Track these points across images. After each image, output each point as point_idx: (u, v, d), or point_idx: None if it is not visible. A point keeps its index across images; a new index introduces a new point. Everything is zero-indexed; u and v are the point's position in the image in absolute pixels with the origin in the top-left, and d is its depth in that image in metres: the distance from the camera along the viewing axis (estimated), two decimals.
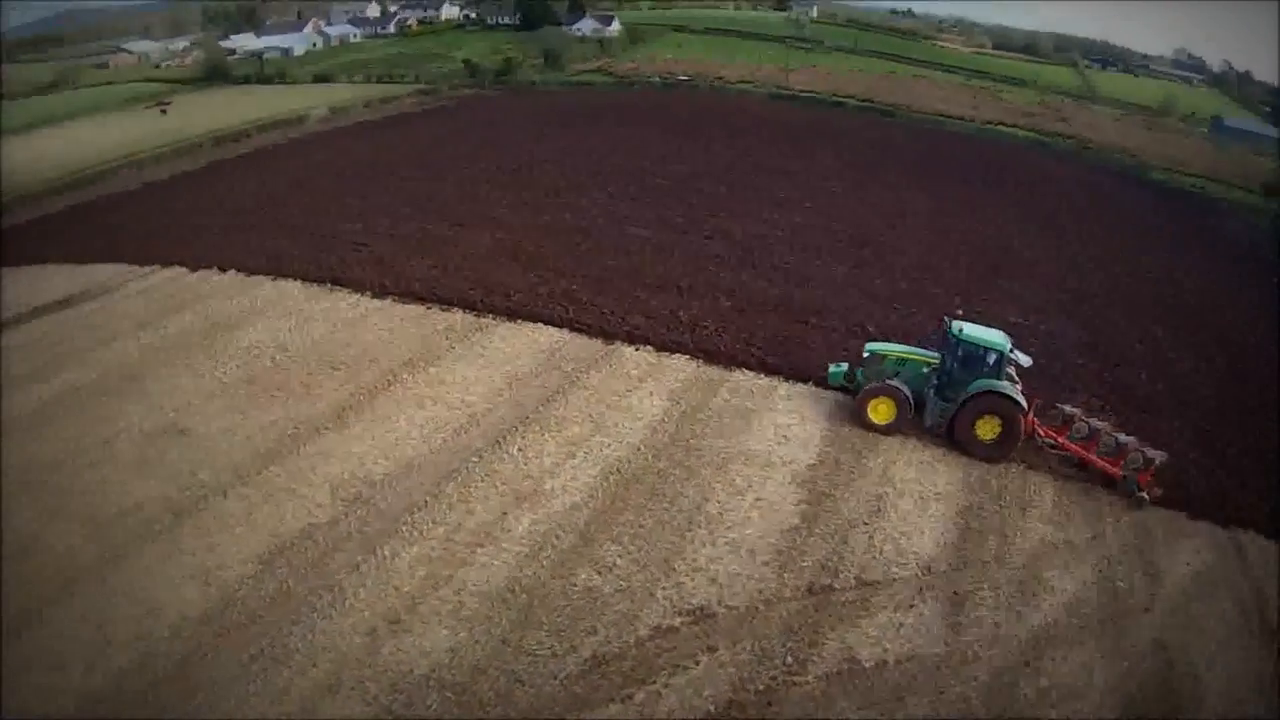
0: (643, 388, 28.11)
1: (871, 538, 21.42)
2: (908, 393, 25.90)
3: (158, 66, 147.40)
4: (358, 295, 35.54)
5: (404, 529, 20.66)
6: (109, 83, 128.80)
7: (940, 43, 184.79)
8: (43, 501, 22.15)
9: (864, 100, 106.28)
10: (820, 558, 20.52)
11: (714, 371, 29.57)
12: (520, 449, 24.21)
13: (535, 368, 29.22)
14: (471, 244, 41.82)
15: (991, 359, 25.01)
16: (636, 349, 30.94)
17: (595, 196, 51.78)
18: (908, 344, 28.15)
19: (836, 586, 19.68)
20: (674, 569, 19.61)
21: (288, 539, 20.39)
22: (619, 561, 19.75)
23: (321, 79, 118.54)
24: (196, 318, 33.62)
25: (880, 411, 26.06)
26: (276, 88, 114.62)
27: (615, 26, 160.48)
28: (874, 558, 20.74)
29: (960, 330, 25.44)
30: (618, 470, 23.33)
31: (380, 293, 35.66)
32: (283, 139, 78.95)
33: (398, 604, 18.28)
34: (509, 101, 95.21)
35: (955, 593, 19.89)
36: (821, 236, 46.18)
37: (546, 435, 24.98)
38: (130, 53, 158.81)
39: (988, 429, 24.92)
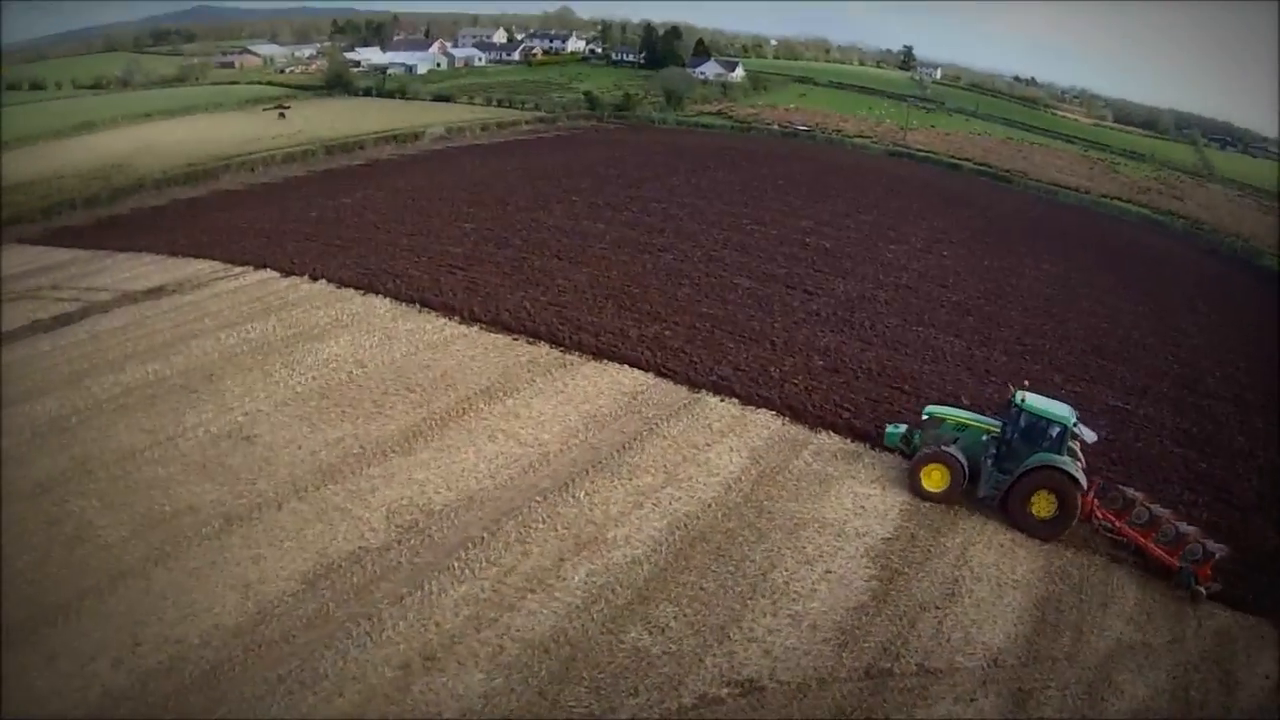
0: (723, 442, 27.94)
1: (941, 623, 20.73)
2: (963, 460, 25.57)
3: (281, 71, 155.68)
4: (445, 319, 36.44)
5: (455, 564, 20.81)
6: (233, 82, 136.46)
7: (1061, 112, 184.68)
8: (103, 491, 23.21)
9: (981, 164, 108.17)
10: (884, 639, 19.92)
11: (799, 431, 29.28)
12: (588, 493, 24.24)
13: (615, 410, 29.35)
14: (569, 278, 42.51)
15: (1054, 432, 24.59)
16: (722, 400, 30.87)
17: (701, 241, 52.29)
18: (971, 410, 27.99)
19: (896, 671, 19.05)
20: (729, 636, 19.22)
21: (335, 560, 20.77)
22: (673, 623, 19.47)
23: (441, 98, 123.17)
24: (280, 324, 34.98)
25: (934, 478, 25.76)
26: (396, 102, 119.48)
27: (739, 72, 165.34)
28: (940, 644, 20.06)
29: (1023, 400, 25.08)
30: (685, 526, 23.12)
31: (468, 319, 36.50)
32: (396, 154, 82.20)
33: (436, 641, 18.38)
34: (626, 136, 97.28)
35: (1020, 689, 19.03)
36: (925, 302, 45.66)
37: (617, 482, 24.98)
38: (256, 55, 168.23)
39: (1043, 505, 24.48)
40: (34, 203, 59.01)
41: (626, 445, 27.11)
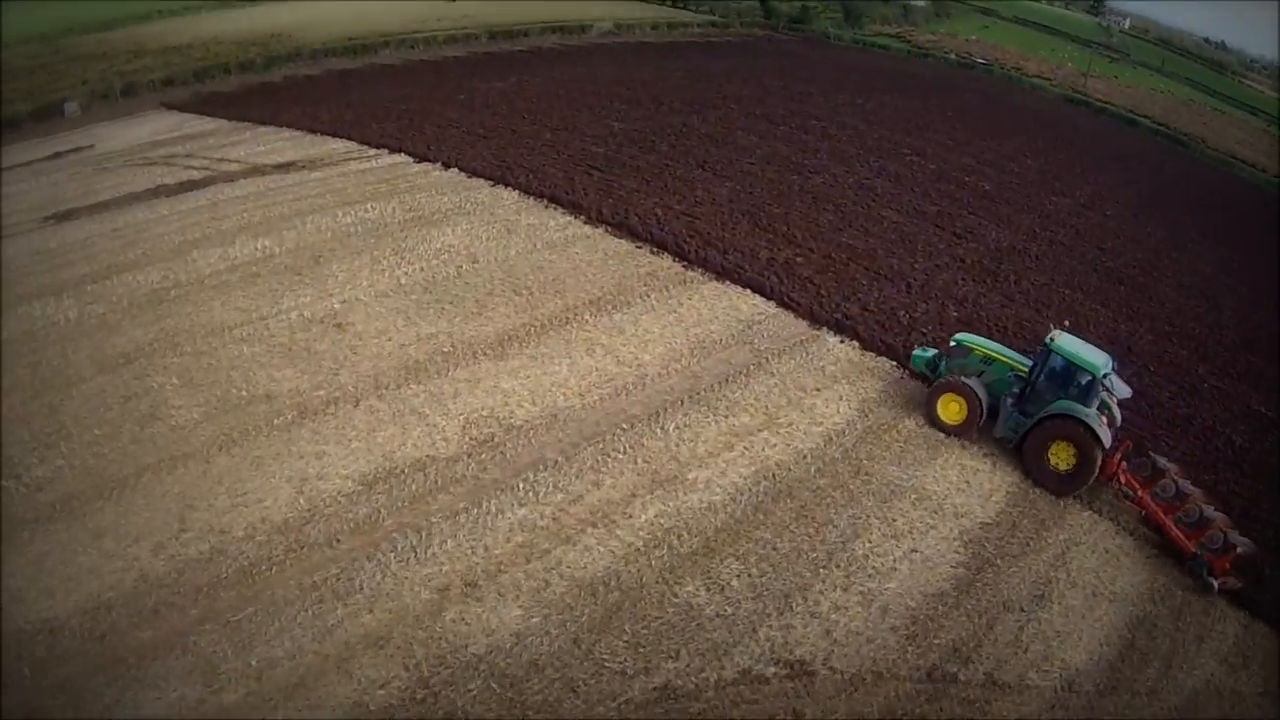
0: (833, 388, 26.10)
1: (1022, 629, 18.89)
2: (982, 395, 24.74)
3: None
4: (570, 218, 35.41)
5: (521, 485, 19.97)
6: None
7: (1248, 82, 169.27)
8: (185, 367, 23.40)
9: (1159, 123, 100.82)
10: (956, 638, 18.19)
11: (918, 387, 27.01)
12: (678, 427, 22.92)
13: (726, 338, 27.79)
14: (709, 190, 40.76)
15: (1083, 380, 23.36)
16: (842, 341, 28.94)
17: (855, 166, 49.51)
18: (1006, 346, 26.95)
19: (961, 678, 17.38)
20: (791, 607, 17.81)
21: (400, 465, 20.25)
22: (734, 582, 18.15)
23: None
24: (401, 208, 34.66)
25: (950, 410, 25.05)
26: None
27: None
28: (1016, 654, 18.29)
29: (1055, 340, 23.83)
30: (773, 477, 21.60)
31: (595, 220, 35.39)
32: (560, 44, 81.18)
33: (481, 567, 17.61)
34: (798, 49, 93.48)
35: None
36: (1078, 263, 41.85)
37: (711, 418, 23.56)
38: None
39: (1061, 457, 23.41)
40: (188, 65, 60.65)
41: (730, 378, 25.57)
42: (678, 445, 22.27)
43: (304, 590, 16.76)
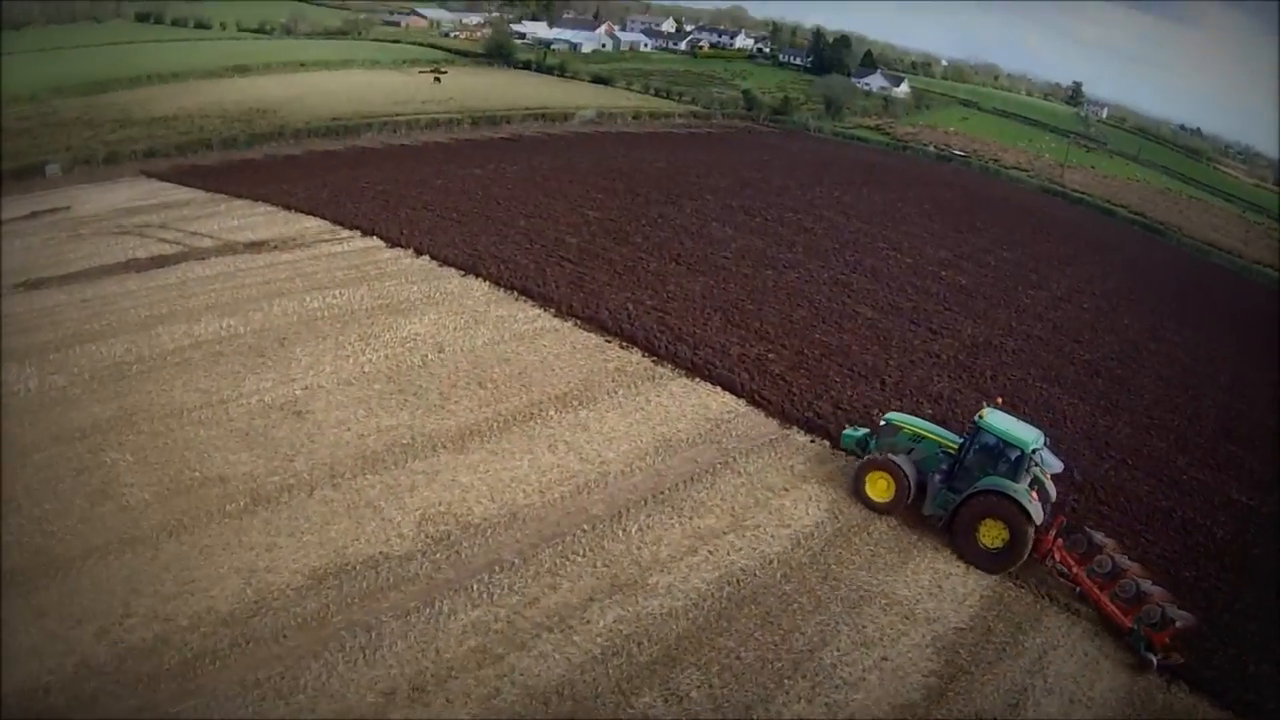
0: (802, 488, 26.14)
1: None
2: (909, 472, 24.84)
3: (446, 35, 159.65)
4: (540, 310, 35.88)
5: (475, 586, 19.76)
6: (395, 40, 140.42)
7: (1223, 167, 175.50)
8: (141, 446, 23.31)
9: (1136, 213, 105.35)
10: None
11: None
12: (640, 528, 22.83)
13: (693, 436, 27.93)
14: (681, 285, 41.39)
15: (1013, 455, 23.58)
16: (812, 440, 29.07)
17: (831, 261, 50.69)
18: (935, 423, 27.29)
19: None
20: None
21: (351, 561, 20.03)
22: (694, 693, 17.89)
23: (600, 80, 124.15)
24: (369, 294, 34.98)
25: (878, 487, 25.25)
26: (553, 79, 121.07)
27: (904, 88, 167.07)
28: None
29: (984, 417, 24.16)
30: (737, 582, 21.44)
31: (564, 313, 35.85)
32: (542, 132, 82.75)
33: (431, 670, 17.35)
34: (778, 141, 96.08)
35: None
36: (1055, 357, 42.63)
37: (676, 519, 23.50)
38: (423, 17, 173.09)
39: (991, 534, 23.54)
40: (172, 138, 61.50)
41: (696, 477, 25.62)
42: (639, 548, 22.13)
43: (246, 687, 16.46)
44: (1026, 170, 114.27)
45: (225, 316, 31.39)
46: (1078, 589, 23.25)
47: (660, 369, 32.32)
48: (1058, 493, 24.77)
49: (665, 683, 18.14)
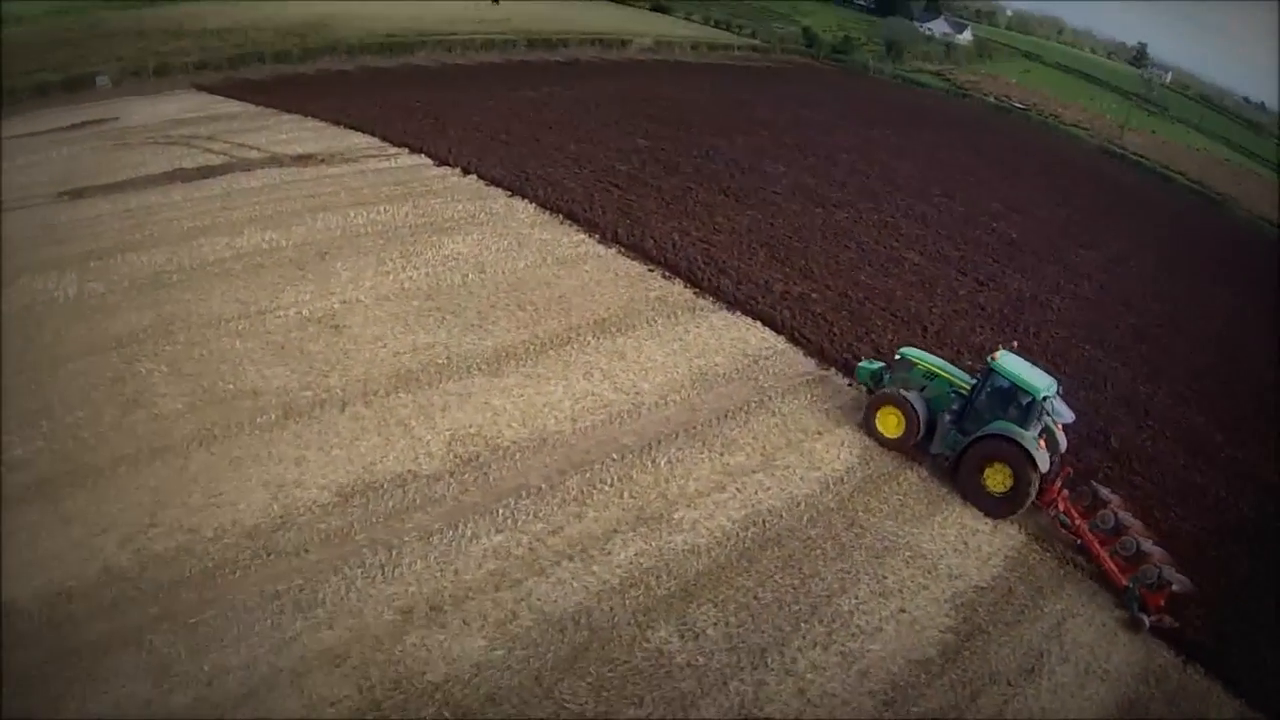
0: (836, 432, 25.59)
1: (1007, 703, 18.13)
2: (921, 410, 24.76)
3: None
4: (584, 235, 35.39)
5: (500, 510, 19.63)
6: None
7: None
8: (175, 356, 23.34)
9: (1193, 181, 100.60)
10: (937, 708, 17.49)
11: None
12: (670, 461, 22.54)
13: (730, 372, 27.43)
14: (729, 217, 40.62)
15: (1024, 401, 23.20)
16: (850, 384, 28.34)
17: (881, 203, 49.36)
18: (951, 363, 26.97)
19: None
20: (766, 662, 17.30)
21: (379, 479, 19.97)
22: (710, 630, 17.69)
23: (659, 8, 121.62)
24: (414, 212, 34.68)
25: (889, 423, 25.25)
26: (610, 6, 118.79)
27: (967, 35, 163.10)
28: None
29: (997, 360, 23.84)
30: (763, 523, 21.10)
31: (609, 239, 35.33)
32: (597, 57, 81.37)
33: (449, 591, 17.29)
34: (836, 80, 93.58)
35: None
36: (1100, 318, 41.18)
37: (706, 454, 23.15)
38: None
39: (997, 479, 23.32)
40: (225, 50, 61.09)
41: (729, 414, 25.16)
42: (667, 481, 21.85)
43: (266, 599, 16.49)
44: (1086, 129, 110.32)
45: (268, 229, 31.26)
46: (1078, 541, 23.07)
47: (701, 301, 31.75)
48: (1068, 444, 24.45)
49: (681, 618, 17.92)
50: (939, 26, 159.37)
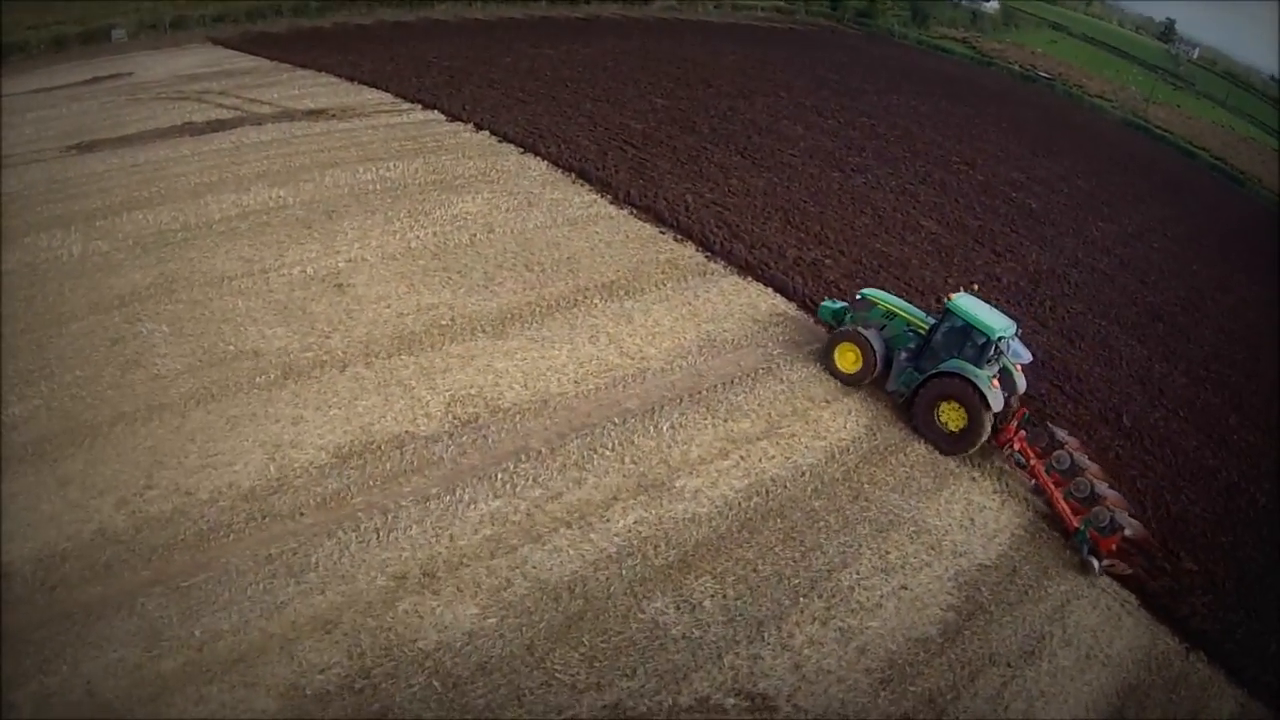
0: (843, 402, 25.09)
1: (1006, 685, 17.81)
2: (878, 346, 25.20)
3: None
4: (596, 195, 34.74)
5: (499, 475, 19.35)
6: None
7: None
8: (177, 315, 23.02)
9: (1217, 158, 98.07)
10: (934, 688, 17.19)
11: None
12: (673, 427, 22.14)
13: (738, 337, 26.91)
14: (745, 180, 39.80)
15: (979, 341, 23.40)
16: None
17: (900, 169, 48.13)
18: (912, 305, 27.23)
19: None
20: (762, 636, 17.03)
21: (377, 440, 19.71)
22: (707, 603, 17.41)
23: None
24: (424, 168, 34.16)
25: (847, 359, 25.72)
26: None
27: (994, 4, 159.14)
28: (994, 712, 17.23)
29: (954, 300, 24.23)
30: (765, 493, 20.72)
31: (621, 200, 34.65)
32: (620, 14, 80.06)
33: (444, 557, 17.06)
34: (859, 44, 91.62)
35: None
36: (1118, 294, 40.12)
37: (710, 421, 22.73)
38: None
39: (952, 417, 23.66)
40: (241, 4, 60.34)
41: (736, 381, 24.68)
42: (670, 447, 21.46)
43: (259, 563, 16.32)
44: (1111, 100, 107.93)
45: (275, 186, 30.87)
46: (1034, 481, 23.25)
47: (713, 265, 31.11)
48: (1028, 384, 25.06)
49: (679, 589, 17.63)
50: None
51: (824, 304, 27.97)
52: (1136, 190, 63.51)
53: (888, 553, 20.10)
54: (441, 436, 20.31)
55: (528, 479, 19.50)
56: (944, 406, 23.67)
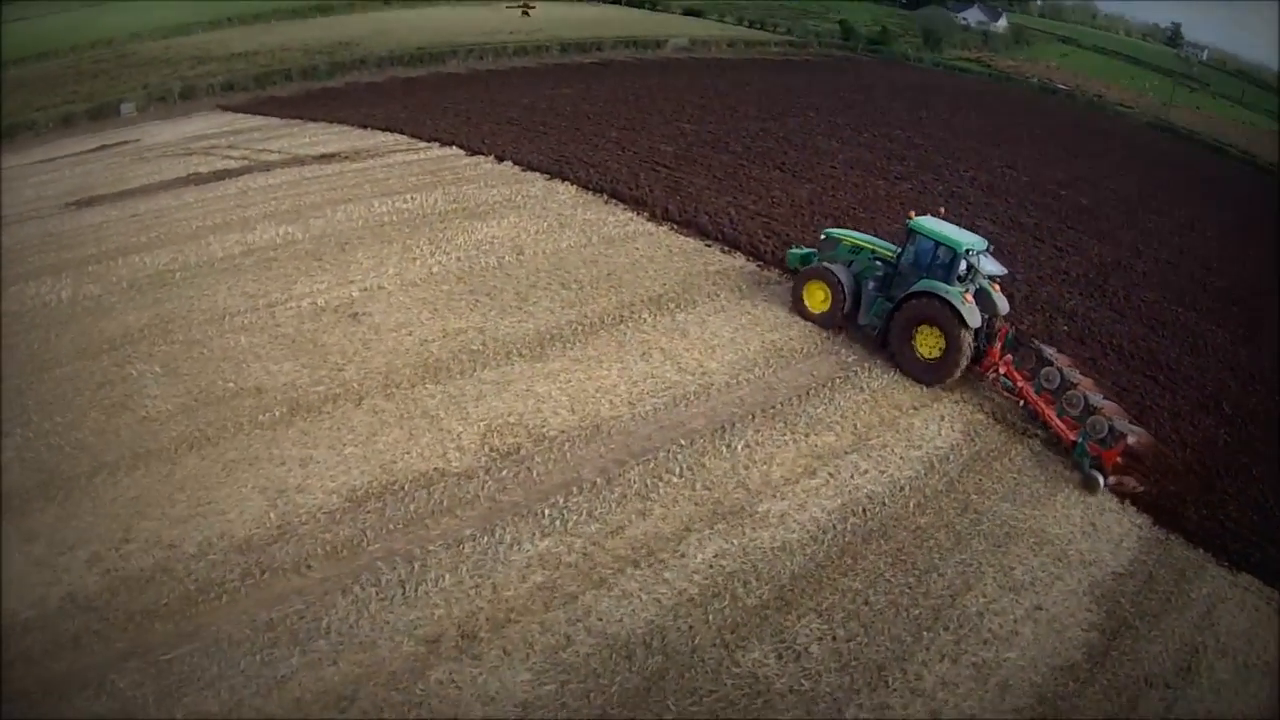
0: (933, 407, 21.76)
1: (1169, 709, 14.48)
2: (846, 281, 24.23)
3: None
4: (632, 214, 31.84)
5: (547, 511, 15.95)
6: None
7: None
8: (171, 356, 20.22)
9: (1244, 153, 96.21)
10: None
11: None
12: (748, 445, 18.72)
13: (808, 346, 23.58)
14: (788, 191, 37.03)
15: (946, 258, 22.42)
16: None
17: (945, 175, 45.80)
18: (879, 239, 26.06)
19: None
20: (885, 682, 13.53)
21: (399, 479, 16.43)
22: (814, 648, 13.87)
23: (692, 13, 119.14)
24: (444, 199, 31.41)
25: (816, 298, 24.83)
26: (642, 12, 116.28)
27: (1003, 23, 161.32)
28: None
29: (916, 220, 23.44)
30: (863, 512, 17.30)
31: (659, 217, 31.79)
32: (633, 57, 78.43)
33: (486, 613, 13.60)
34: (878, 70, 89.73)
35: None
36: (1187, 281, 37.04)
37: (790, 437, 19.31)
38: None
39: (928, 343, 22.45)
40: (250, 70, 58.62)
41: (812, 392, 21.33)
42: (746, 468, 18.05)
43: (256, 629, 12.96)
44: (1130, 106, 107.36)
45: (283, 224, 28.10)
46: (1024, 404, 22.03)
47: (767, 273, 28.01)
48: (1009, 306, 23.90)
49: (778, 633, 14.15)
50: (974, 15, 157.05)
51: (790, 251, 27.09)
52: (1176, 184, 61.37)
53: (1012, 569, 16.75)
54: (477, 471, 16.97)
55: (581, 513, 16.08)
56: (920, 334, 22.40)
